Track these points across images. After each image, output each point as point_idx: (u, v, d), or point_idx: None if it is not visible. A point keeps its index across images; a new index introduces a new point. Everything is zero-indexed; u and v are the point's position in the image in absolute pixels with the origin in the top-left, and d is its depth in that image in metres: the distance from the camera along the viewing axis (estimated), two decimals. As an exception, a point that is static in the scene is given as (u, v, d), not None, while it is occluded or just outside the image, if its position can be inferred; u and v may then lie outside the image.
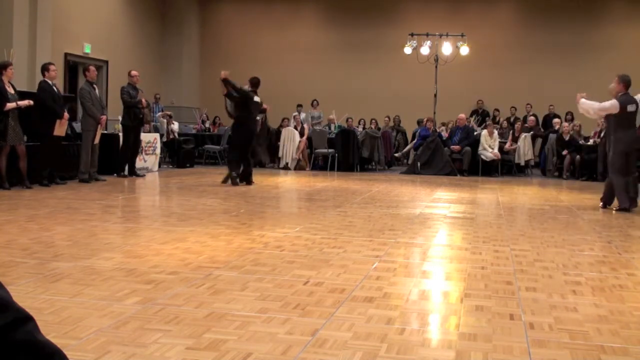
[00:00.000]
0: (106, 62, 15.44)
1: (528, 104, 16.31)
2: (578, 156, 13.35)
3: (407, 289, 3.79)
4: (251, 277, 3.99)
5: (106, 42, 15.43)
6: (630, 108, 7.92)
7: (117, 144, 11.25)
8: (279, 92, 17.99)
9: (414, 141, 14.91)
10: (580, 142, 13.59)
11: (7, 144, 8.59)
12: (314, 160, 14.66)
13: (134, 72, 11.30)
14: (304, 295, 3.58)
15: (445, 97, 15.68)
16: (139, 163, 11.76)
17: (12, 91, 8.78)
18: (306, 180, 11.76)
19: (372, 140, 14.35)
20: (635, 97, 8.07)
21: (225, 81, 9.90)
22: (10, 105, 8.57)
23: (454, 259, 4.83)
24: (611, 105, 7.94)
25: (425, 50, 15.46)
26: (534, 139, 14.52)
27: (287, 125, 14.92)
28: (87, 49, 14.82)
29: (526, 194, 10.33)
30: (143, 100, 11.16)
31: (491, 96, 17.12)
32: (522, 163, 14.25)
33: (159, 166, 13.05)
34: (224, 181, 10.21)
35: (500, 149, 13.88)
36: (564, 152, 13.56)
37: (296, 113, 15.81)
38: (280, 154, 14.59)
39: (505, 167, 14.25)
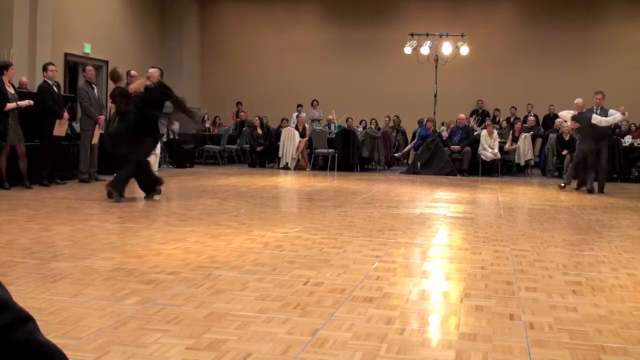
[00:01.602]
0: (106, 62, 15.43)
1: (528, 104, 16.29)
2: (578, 156, 13.34)
3: (407, 289, 3.79)
4: (251, 277, 3.99)
5: (106, 42, 15.42)
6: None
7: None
8: (279, 92, 18.03)
9: (414, 141, 14.90)
10: (580, 142, 13.58)
11: (7, 144, 8.60)
12: (314, 160, 14.65)
13: (133, 72, 11.25)
14: (304, 295, 3.58)
15: (445, 97, 15.66)
16: (139, 163, 11.72)
17: (12, 91, 8.78)
18: (306, 180, 11.76)
19: (372, 140, 14.34)
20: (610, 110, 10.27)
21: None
22: (10, 105, 8.57)
23: (454, 259, 4.83)
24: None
25: (425, 50, 15.45)
26: (534, 139, 14.52)
27: (287, 125, 14.91)
28: (87, 49, 14.81)
29: (526, 194, 10.32)
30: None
31: (491, 96, 17.10)
32: (522, 163, 14.24)
33: (159, 166, 13.03)
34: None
35: (500, 149, 13.87)
36: (564, 152, 13.55)
37: (297, 113, 15.80)
38: (280, 154, 14.59)
39: (505, 167, 14.24)
